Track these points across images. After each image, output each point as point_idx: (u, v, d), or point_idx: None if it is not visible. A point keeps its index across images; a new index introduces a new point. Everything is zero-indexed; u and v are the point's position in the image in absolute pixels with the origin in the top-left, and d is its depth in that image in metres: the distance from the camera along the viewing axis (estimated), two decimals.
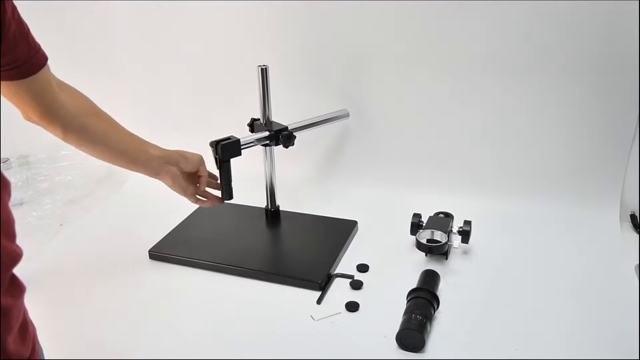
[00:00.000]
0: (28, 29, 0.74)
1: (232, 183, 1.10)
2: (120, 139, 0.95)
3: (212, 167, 1.09)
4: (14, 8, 0.68)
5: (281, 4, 1.31)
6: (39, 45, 0.77)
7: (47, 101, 0.83)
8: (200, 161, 1.05)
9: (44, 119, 0.85)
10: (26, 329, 0.62)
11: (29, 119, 0.86)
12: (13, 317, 0.58)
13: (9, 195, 0.58)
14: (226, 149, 1.06)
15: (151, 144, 1.00)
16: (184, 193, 1.05)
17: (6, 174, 0.63)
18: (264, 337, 0.91)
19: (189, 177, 1.05)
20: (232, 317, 0.95)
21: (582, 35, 1.15)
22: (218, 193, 1.10)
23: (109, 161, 0.98)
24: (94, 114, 0.92)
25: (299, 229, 1.24)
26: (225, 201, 1.10)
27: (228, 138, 1.08)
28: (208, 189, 1.09)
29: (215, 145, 1.06)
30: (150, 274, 1.10)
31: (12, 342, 0.58)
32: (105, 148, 0.94)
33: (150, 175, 1.01)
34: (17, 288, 0.59)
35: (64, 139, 0.89)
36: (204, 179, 1.06)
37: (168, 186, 1.03)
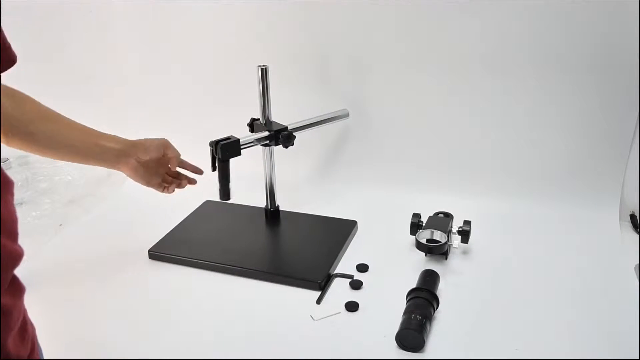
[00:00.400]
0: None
1: (231, 183, 1.09)
2: (69, 136, 0.92)
3: (206, 166, 1.09)
4: None
5: (281, 4, 1.31)
6: (9, 46, 0.73)
7: None
8: (164, 145, 1.01)
9: None
10: (25, 329, 0.62)
11: None
12: (13, 317, 0.58)
13: (12, 194, 0.58)
14: (226, 149, 1.06)
15: (108, 135, 0.97)
16: (147, 184, 1.03)
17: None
18: (264, 337, 0.91)
19: (152, 167, 1.03)
20: (232, 317, 0.95)
21: (582, 35, 1.15)
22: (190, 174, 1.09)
23: (62, 160, 0.95)
24: (40, 117, 0.89)
25: (298, 229, 1.24)
26: (225, 200, 1.09)
27: (228, 138, 1.08)
28: (180, 170, 1.07)
29: (215, 145, 1.06)
30: (149, 273, 1.10)
31: (11, 342, 0.58)
32: (55, 150, 0.92)
33: (108, 168, 0.99)
34: (17, 288, 0.59)
35: (6, 144, 0.87)
36: (174, 160, 1.04)
37: (129, 177, 1.01)
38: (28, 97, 0.89)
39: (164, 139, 1.03)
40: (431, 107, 1.31)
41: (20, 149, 0.89)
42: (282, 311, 0.97)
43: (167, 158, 1.04)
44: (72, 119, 0.95)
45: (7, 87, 0.86)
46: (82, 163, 0.97)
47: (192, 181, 1.09)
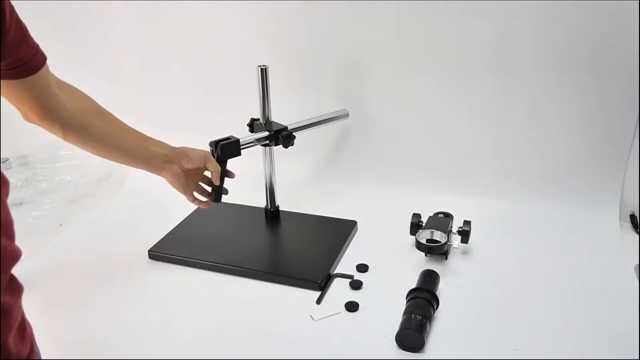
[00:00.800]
0: (27, 29, 0.74)
1: (230, 183, 1.09)
2: (121, 136, 0.95)
3: None
4: (12, 8, 0.68)
5: (281, 4, 1.31)
6: (38, 45, 0.77)
7: (46, 101, 0.82)
8: (205, 158, 1.03)
9: (43, 119, 0.85)
10: (24, 328, 0.62)
11: (28, 119, 0.86)
12: (13, 316, 0.58)
13: (7, 194, 0.58)
14: (226, 149, 1.06)
15: (155, 140, 1.00)
16: (184, 191, 1.05)
17: (6, 174, 0.63)
18: (264, 337, 0.91)
19: (191, 176, 1.05)
20: (232, 317, 0.95)
21: (582, 35, 1.15)
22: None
23: (110, 159, 0.98)
24: (95, 113, 0.92)
25: (298, 229, 1.24)
26: (216, 203, 1.09)
27: (228, 138, 1.08)
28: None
29: (215, 145, 1.06)
30: (149, 273, 1.10)
31: (12, 341, 0.58)
32: (106, 147, 0.94)
33: (152, 172, 1.01)
34: (15, 287, 0.59)
35: (64, 138, 0.89)
36: (215, 175, 1.05)
37: (169, 183, 1.03)
38: (80, 91, 0.91)
39: (206, 152, 1.04)
40: (431, 107, 1.31)
41: (76, 143, 0.91)
42: (282, 311, 0.97)
43: (205, 170, 1.05)
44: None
45: (63, 82, 0.88)
46: (130, 165, 0.99)
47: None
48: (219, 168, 1.05)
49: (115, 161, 0.98)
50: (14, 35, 0.69)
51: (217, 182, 1.05)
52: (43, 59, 0.79)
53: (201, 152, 1.03)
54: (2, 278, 0.55)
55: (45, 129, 0.87)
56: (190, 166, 1.02)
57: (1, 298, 0.55)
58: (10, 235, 0.57)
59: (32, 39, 0.76)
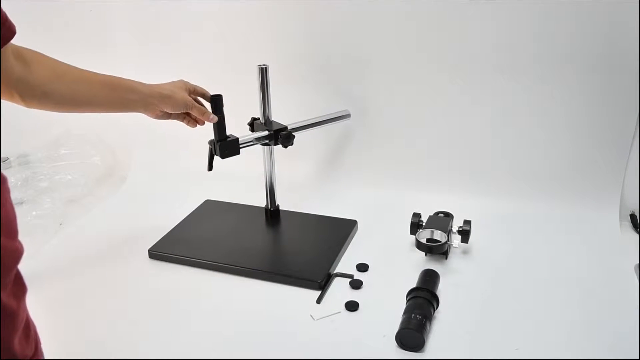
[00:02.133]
0: None
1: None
2: (89, 94, 0.91)
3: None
4: None
5: (281, 4, 1.31)
6: (6, 18, 0.70)
7: (3, 77, 0.78)
8: (189, 105, 1.02)
9: (2, 93, 0.81)
10: (29, 328, 0.62)
11: None
12: (19, 318, 0.58)
13: (8, 191, 0.58)
14: (225, 148, 1.06)
15: (128, 84, 0.96)
16: (166, 119, 1.04)
17: (6, 173, 0.62)
18: (264, 336, 0.91)
19: (175, 114, 1.04)
20: (232, 317, 0.95)
21: (582, 35, 1.15)
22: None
23: (83, 113, 0.94)
24: (56, 77, 0.86)
25: (298, 228, 1.24)
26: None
27: (227, 137, 1.08)
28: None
29: (214, 143, 1.06)
30: (149, 273, 1.10)
31: (17, 342, 0.58)
32: (74, 107, 0.91)
33: (132, 112, 1.00)
34: (21, 288, 0.59)
35: (26, 106, 0.85)
36: (201, 121, 1.04)
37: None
38: (41, 56, 0.86)
39: (190, 99, 1.02)
40: (431, 107, 1.31)
41: (41, 109, 0.87)
42: (282, 311, 0.97)
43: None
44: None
45: (17, 48, 0.81)
46: (107, 113, 0.97)
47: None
48: (204, 110, 1.03)
49: (89, 113, 0.95)
50: None
51: (200, 124, 1.04)
52: (10, 33, 0.71)
53: (182, 98, 1.01)
54: (5, 279, 0.55)
55: (5, 100, 0.84)
56: (172, 111, 1.01)
57: (7, 300, 0.55)
58: (11, 233, 0.57)
59: (4, 13, 0.69)
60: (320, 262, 1.08)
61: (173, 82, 1.05)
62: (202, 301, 1.00)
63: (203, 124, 1.08)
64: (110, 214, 1.36)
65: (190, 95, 1.05)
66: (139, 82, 0.98)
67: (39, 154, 1.48)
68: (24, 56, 0.82)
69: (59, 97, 0.87)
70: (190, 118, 1.08)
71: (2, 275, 0.54)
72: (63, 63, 0.88)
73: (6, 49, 0.75)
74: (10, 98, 0.83)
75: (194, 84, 1.07)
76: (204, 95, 1.09)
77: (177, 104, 1.01)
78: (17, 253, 0.57)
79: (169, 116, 1.04)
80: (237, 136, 1.09)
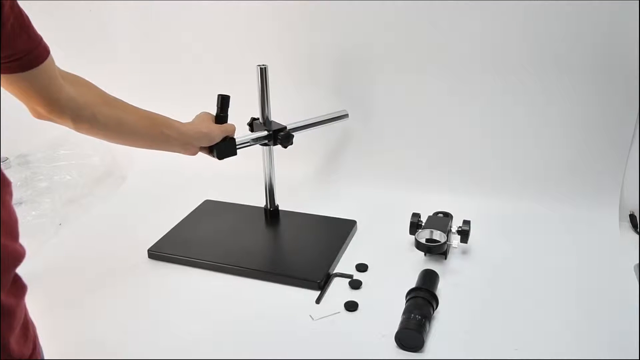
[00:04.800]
0: (29, 22, 0.72)
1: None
2: (133, 122, 0.93)
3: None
4: (14, 0, 0.68)
5: (281, 4, 1.31)
6: (41, 38, 0.75)
7: (53, 94, 0.81)
8: (228, 132, 1.04)
9: (52, 112, 0.83)
10: (27, 328, 0.62)
11: (38, 115, 0.84)
12: (16, 317, 0.58)
13: (11, 194, 0.58)
14: (221, 148, 1.06)
15: (171, 123, 0.98)
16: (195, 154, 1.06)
17: (6, 173, 0.62)
18: (263, 336, 0.91)
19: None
20: (231, 317, 0.95)
21: (582, 35, 1.15)
22: None
23: (126, 144, 0.97)
24: (104, 101, 0.90)
25: (298, 228, 1.24)
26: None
27: (224, 137, 1.08)
28: None
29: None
30: (149, 273, 1.10)
31: (14, 341, 0.58)
32: (119, 134, 0.93)
33: (170, 151, 1.02)
34: (19, 288, 0.59)
35: (76, 130, 0.88)
36: (232, 134, 1.06)
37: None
38: (88, 82, 0.90)
39: (222, 127, 1.04)
40: (431, 107, 1.31)
41: (88, 133, 0.90)
42: (281, 311, 0.97)
43: None
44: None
45: (68, 74, 0.87)
46: (145, 148, 0.99)
47: None
48: (234, 127, 1.06)
49: (132, 146, 0.98)
50: (12, 27, 0.68)
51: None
52: (46, 51, 0.77)
53: (220, 131, 1.03)
54: (3, 278, 0.55)
55: (55, 122, 0.86)
56: (208, 145, 1.03)
57: (5, 299, 0.55)
58: (14, 235, 0.57)
59: (34, 31, 0.74)
60: (319, 262, 1.08)
61: (200, 116, 1.06)
62: (201, 301, 1.00)
63: None
64: (109, 214, 1.36)
65: None
66: (176, 120, 1.00)
67: (39, 154, 1.48)
68: (70, 79, 0.86)
69: (106, 121, 0.89)
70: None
71: (0, 275, 0.54)
72: (109, 93, 0.92)
73: (53, 70, 0.80)
74: (61, 119, 0.85)
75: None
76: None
77: (217, 138, 1.03)
78: (16, 254, 0.57)
79: (203, 151, 1.05)
80: (235, 137, 1.09)
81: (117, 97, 0.93)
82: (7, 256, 0.55)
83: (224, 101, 1.06)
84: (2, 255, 0.54)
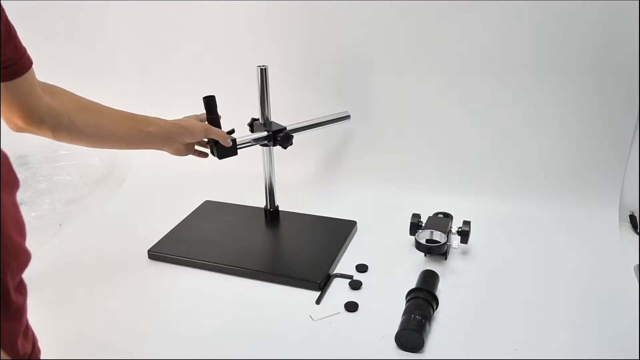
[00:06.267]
0: (15, 32, 0.73)
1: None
2: (112, 125, 0.93)
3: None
4: (1, 11, 0.68)
5: (281, 4, 1.31)
6: (25, 49, 0.77)
7: (31, 105, 0.82)
8: (207, 131, 1.04)
9: (31, 124, 0.84)
10: (27, 327, 0.62)
11: (16, 127, 0.85)
12: (24, 316, 0.59)
13: (16, 195, 0.59)
14: (222, 149, 1.06)
15: (149, 119, 0.98)
16: (185, 155, 1.06)
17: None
18: (263, 337, 0.91)
19: (192, 145, 1.06)
20: (231, 317, 0.95)
21: (581, 35, 1.15)
22: None
23: (107, 148, 0.98)
24: (81, 107, 0.90)
25: (298, 229, 1.24)
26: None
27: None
28: None
29: (212, 144, 1.07)
30: (149, 273, 1.10)
31: (20, 340, 0.59)
32: (99, 138, 0.93)
33: (152, 149, 1.01)
34: (24, 287, 0.60)
35: (55, 139, 0.89)
36: (216, 133, 1.06)
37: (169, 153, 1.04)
38: (64, 90, 0.90)
39: (206, 124, 1.05)
40: (431, 107, 1.31)
41: (68, 141, 0.90)
42: (281, 311, 0.97)
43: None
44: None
45: (45, 84, 0.87)
46: (129, 149, 1.00)
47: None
48: (223, 135, 1.05)
49: (114, 149, 0.98)
50: (2, 36, 0.68)
51: (228, 144, 1.06)
52: (29, 62, 0.78)
53: (202, 126, 1.03)
54: (17, 278, 0.56)
55: (34, 133, 0.86)
56: (192, 141, 1.03)
57: (15, 299, 0.56)
58: (24, 236, 0.58)
59: (19, 42, 0.75)
60: (319, 263, 1.08)
61: (186, 116, 1.08)
62: (201, 302, 1.00)
63: (207, 156, 1.11)
64: (109, 215, 1.36)
65: None
66: (157, 117, 1.00)
67: (38, 155, 1.48)
68: (47, 88, 0.86)
69: (84, 127, 0.89)
70: (199, 151, 1.10)
71: (15, 274, 0.55)
72: (84, 98, 0.92)
73: (34, 81, 0.81)
74: (40, 129, 0.85)
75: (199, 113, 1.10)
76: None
77: (198, 132, 1.03)
78: (28, 254, 0.58)
79: (187, 151, 1.05)
80: (235, 137, 1.09)
81: (93, 100, 0.93)
82: (23, 256, 0.56)
83: (210, 103, 1.06)
84: (19, 255, 0.55)
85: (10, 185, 0.56)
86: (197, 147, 1.09)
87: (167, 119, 1.02)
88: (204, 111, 1.08)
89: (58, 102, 0.87)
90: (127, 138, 0.96)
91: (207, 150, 1.10)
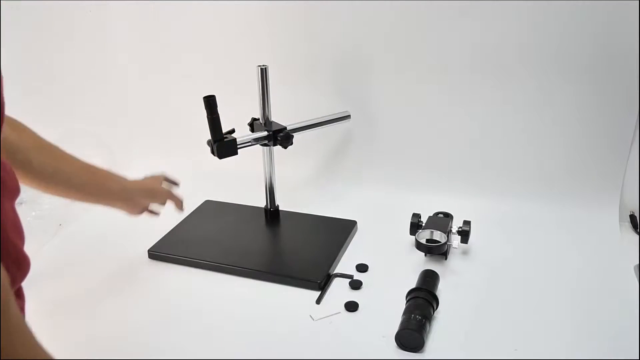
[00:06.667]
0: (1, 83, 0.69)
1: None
2: (70, 172, 0.88)
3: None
4: None
5: (281, 4, 1.31)
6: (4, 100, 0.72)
7: None
8: (170, 195, 1.00)
9: None
10: None
11: None
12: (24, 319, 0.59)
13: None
14: (222, 148, 1.06)
15: (109, 174, 0.94)
16: (136, 215, 1.01)
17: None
18: (263, 337, 0.91)
19: (147, 206, 1.02)
20: (231, 317, 0.95)
21: (581, 35, 1.15)
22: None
23: (62, 196, 0.91)
24: (41, 148, 0.85)
25: (298, 228, 1.24)
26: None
27: (224, 137, 1.08)
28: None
29: (212, 143, 1.07)
30: (149, 273, 1.10)
31: None
32: (55, 183, 0.88)
33: (105, 205, 0.96)
34: (22, 291, 0.60)
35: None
36: (176, 200, 1.02)
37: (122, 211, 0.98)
38: (28, 128, 0.85)
39: (169, 191, 1.01)
40: (431, 107, 1.31)
41: (24, 182, 0.84)
42: (281, 311, 0.97)
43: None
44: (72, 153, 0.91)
45: (8, 117, 0.81)
46: (83, 201, 0.93)
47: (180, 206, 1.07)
48: (181, 202, 1.02)
49: (69, 198, 0.92)
50: None
51: (181, 210, 1.03)
52: (2, 112, 0.73)
53: (166, 191, 0.99)
54: (20, 284, 0.56)
55: None
56: (152, 203, 0.98)
57: (19, 302, 0.56)
58: (24, 243, 0.58)
59: (2, 93, 0.71)
60: (319, 263, 1.08)
61: (151, 176, 1.03)
62: (201, 301, 1.00)
63: (159, 215, 1.08)
64: (110, 214, 1.34)
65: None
66: (120, 175, 0.95)
67: None
68: (11, 123, 0.81)
69: (40, 168, 0.84)
70: (151, 211, 1.06)
71: (17, 281, 0.55)
72: (46, 140, 0.86)
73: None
74: None
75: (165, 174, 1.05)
76: (175, 183, 1.08)
77: (161, 197, 0.99)
78: (28, 260, 0.58)
79: (142, 212, 1.01)
80: (235, 136, 1.09)
81: (52, 143, 0.88)
82: (25, 261, 0.56)
83: (210, 102, 1.05)
84: (21, 261, 0.55)
85: (12, 192, 0.56)
86: (151, 207, 1.05)
87: (130, 179, 0.98)
88: (163, 172, 1.04)
89: (17, 137, 0.81)
90: (83, 188, 0.91)
91: (162, 210, 1.07)
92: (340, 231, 1.20)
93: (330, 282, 1.04)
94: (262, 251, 1.15)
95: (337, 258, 1.11)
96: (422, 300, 0.91)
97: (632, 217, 1.25)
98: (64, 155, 0.89)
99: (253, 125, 1.20)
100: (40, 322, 0.68)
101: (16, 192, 0.56)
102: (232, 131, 1.11)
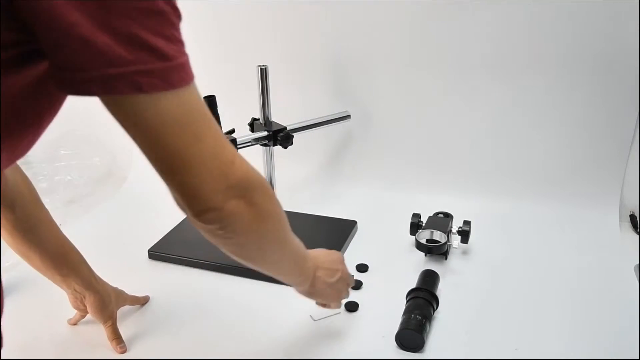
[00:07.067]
0: None
1: None
2: (47, 234, 0.82)
3: None
4: None
5: (281, 4, 1.31)
6: None
7: None
8: (139, 301, 0.97)
9: None
10: None
11: None
12: None
13: None
14: None
15: (84, 260, 0.88)
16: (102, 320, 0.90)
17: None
18: (263, 337, 0.91)
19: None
20: (231, 317, 0.95)
21: (582, 35, 1.15)
22: None
23: (25, 258, 0.83)
24: (33, 200, 0.80)
25: (298, 228, 1.22)
26: None
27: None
28: None
29: None
30: (149, 273, 1.10)
31: None
32: (25, 240, 0.80)
33: (63, 288, 0.88)
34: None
35: None
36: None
37: (88, 309, 0.89)
38: (26, 177, 0.81)
39: (140, 297, 0.98)
40: (431, 107, 1.31)
41: (4, 231, 0.78)
42: (282, 311, 0.96)
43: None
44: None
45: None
46: (42, 272, 0.86)
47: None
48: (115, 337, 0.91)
49: (30, 264, 0.84)
50: None
51: (145, 301, 0.99)
52: None
53: (131, 299, 0.96)
54: None
55: None
56: (118, 308, 0.92)
57: None
58: None
59: None
60: None
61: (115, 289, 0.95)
62: (201, 301, 1.00)
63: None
64: (110, 214, 1.36)
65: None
66: (93, 272, 0.88)
67: (39, 155, 1.48)
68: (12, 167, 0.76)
69: (24, 219, 0.78)
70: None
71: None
72: (42, 202, 0.82)
73: None
74: None
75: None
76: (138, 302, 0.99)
77: (121, 302, 0.93)
78: None
79: (85, 313, 0.92)
80: (234, 136, 1.09)
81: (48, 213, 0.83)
82: None
83: (210, 103, 1.04)
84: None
85: None
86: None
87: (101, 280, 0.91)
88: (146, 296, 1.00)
89: (12, 179, 0.77)
90: (55, 258, 0.84)
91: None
92: (340, 231, 1.20)
93: None
94: None
95: None
96: (422, 300, 0.91)
97: (632, 217, 1.25)
98: (50, 221, 0.83)
99: (253, 125, 1.20)
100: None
101: None
102: (232, 131, 1.11)
